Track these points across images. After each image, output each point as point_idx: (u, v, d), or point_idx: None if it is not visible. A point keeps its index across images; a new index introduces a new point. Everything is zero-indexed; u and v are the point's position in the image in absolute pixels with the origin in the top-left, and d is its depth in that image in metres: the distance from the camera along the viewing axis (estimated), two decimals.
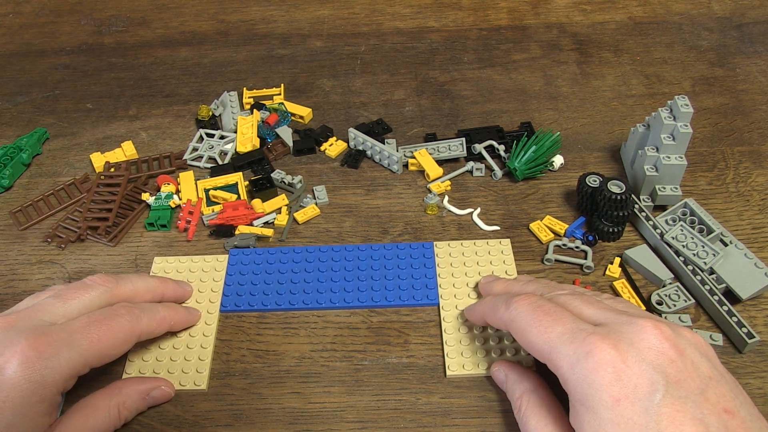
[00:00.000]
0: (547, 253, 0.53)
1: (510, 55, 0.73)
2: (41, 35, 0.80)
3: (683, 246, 0.50)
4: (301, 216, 0.56)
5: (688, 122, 0.52)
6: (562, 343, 0.36)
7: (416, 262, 0.52)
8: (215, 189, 0.59)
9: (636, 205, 0.53)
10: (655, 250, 0.52)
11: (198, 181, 0.59)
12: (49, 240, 0.56)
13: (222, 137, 0.64)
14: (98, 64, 0.75)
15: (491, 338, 0.47)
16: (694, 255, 0.50)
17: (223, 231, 0.55)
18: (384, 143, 0.61)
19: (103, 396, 0.43)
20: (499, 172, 0.59)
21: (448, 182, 0.58)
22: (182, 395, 0.45)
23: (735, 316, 0.46)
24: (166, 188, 0.58)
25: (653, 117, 0.55)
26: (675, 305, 0.48)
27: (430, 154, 0.60)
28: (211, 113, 0.66)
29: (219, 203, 0.58)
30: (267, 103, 0.67)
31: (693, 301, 0.48)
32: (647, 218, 0.52)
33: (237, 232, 0.55)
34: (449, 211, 0.56)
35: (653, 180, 0.54)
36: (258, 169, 0.60)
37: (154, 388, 0.44)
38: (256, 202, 0.57)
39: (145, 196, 0.57)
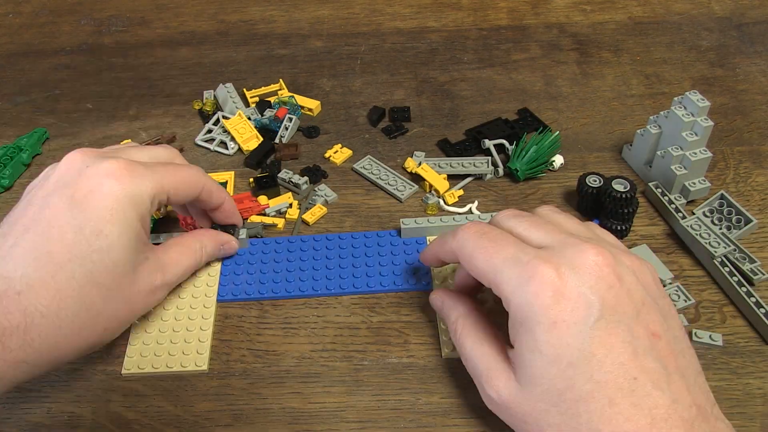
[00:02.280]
0: None
1: (510, 55, 0.73)
2: (41, 35, 0.80)
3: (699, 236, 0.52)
4: (310, 217, 0.56)
5: (706, 115, 0.53)
6: (506, 267, 0.38)
7: (409, 248, 0.53)
8: None
9: (672, 205, 0.54)
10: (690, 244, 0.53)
11: None
12: None
13: None
14: (98, 64, 0.75)
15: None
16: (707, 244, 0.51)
17: (225, 226, 0.55)
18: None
19: (192, 237, 0.49)
20: (501, 170, 0.59)
21: (461, 191, 0.58)
22: (182, 395, 0.45)
23: (763, 307, 0.47)
24: None
25: (664, 116, 0.55)
26: (675, 305, 0.48)
27: (452, 167, 0.59)
28: (215, 106, 0.66)
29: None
30: (276, 97, 0.67)
31: (693, 301, 0.49)
32: (683, 217, 0.53)
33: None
34: (450, 212, 0.56)
35: (683, 177, 0.54)
36: (267, 167, 0.61)
37: (227, 241, 0.52)
38: (262, 198, 0.57)
39: None
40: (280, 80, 0.70)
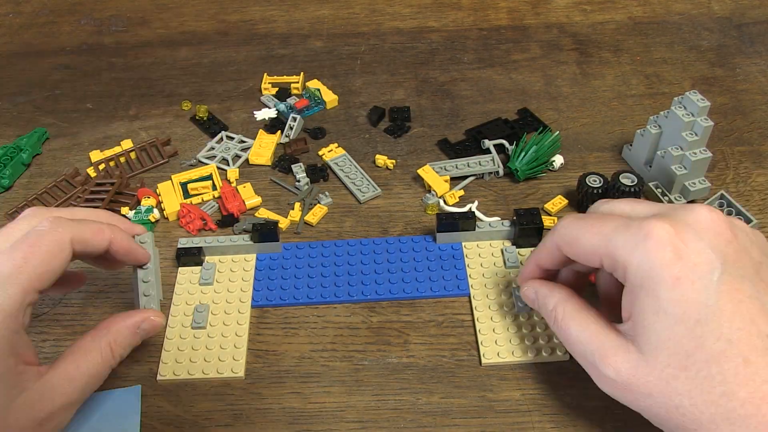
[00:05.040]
0: None
1: (510, 55, 0.73)
2: (41, 35, 0.80)
3: None
4: (311, 218, 0.56)
5: (706, 115, 0.53)
6: (618, 233, 0.36)
7: (445, 254, 0.53)
8: (191, 182, 0.59)
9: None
10: None
11: (173, 176, 0.60)
12: None
13: (242, 141, 0.64)
14: (98, 64, 0.75)
15: (524, 326, 0.47)
16: None
17: (229, 220, 0.56)
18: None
19: (91, 338, 0.41)
20: (501, 170, 0.59)
21: (462, 191, 0.58)
22: (182, 395, 0.45)
23: None
24: (147, 202, 0.57)
25: (664, 116, 0.55)
26: None
27: (459, 169, 0.59)
28: (208, 113, 0.67)
29: (199, 194, 0.58)
30: (297, 86, 0.69)
31: None
32: None
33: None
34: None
35: (683, 177, 0.54)
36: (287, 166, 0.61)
37: (143, 320, 0.43)
38: (245, 190, 0.58)
39: (124, 210, 0.56)
40: (302, 73, 0.70)
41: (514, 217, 0.52)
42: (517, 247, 0.52)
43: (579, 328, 0.39)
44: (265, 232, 0.52)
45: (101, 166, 0.61)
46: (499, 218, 0.55)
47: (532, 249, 0.52)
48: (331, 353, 0.47)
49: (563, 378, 0.45)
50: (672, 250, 0.34)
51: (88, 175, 0.61)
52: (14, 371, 0.36)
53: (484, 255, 0.52)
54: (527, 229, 0.51)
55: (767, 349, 0.33)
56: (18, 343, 0.36)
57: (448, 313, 0.49)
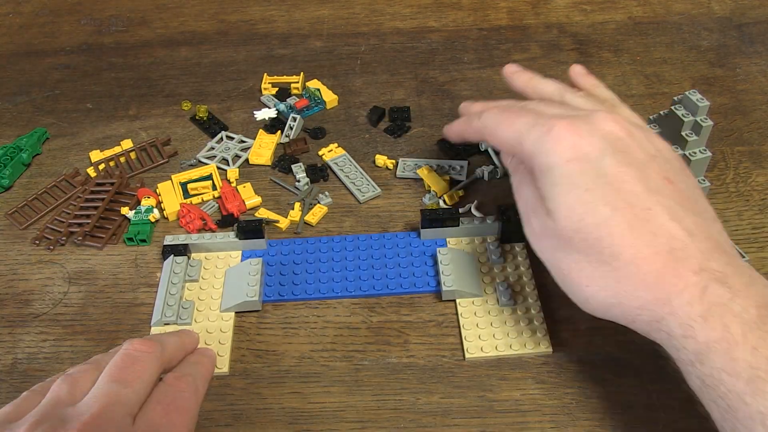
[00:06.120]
0: None
1: (510, 55, 0.73)
2: (41, 35, 0.80)
3: None
4: (311, 217, 0.56)
5: (706, 115, 0.53)
6: (527, 129, 0.42)
7: (429, 250, 0.53)
8: (191, 182, 0.59)
9: None
10: None
11: (173, 176, 0.60)
12: (37, 242, 0.56)
13: (242, 141, 0.64)
14: (98, 64, 0.75)
15: (507, 320, 0.48)
16: None
17: (229, 219, 0.56)
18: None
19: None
20: (501, 170, 0.59)
21: (462, 191, 0.58)
22: None
23: None
24: (147, 202, 0.57)
25: (663, 116, 0.55)
26: None
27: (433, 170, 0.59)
28: (208, 113, 0.67)
29: (199, 194, 0.58)
30: (296, 86, 0.68)
31: None
32: None
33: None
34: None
35: None
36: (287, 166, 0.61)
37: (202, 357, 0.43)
38: (245, 190, 0.58)
39: (124, 210, 0.56)
40: (302, 73, 0.70)
41: (498, 213, 0.52)
42: (501, 243, 0.53)
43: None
44: (249, 230, 0.53)
45: (101, 166, 0.61)
46: (482, 214, 0.55)
47: (516, 245, 0.53)
48: (331, 353, 0.47)
49: (563, 378, 0.45)
50: (569, 143, 0.39)
51: (88, 174, 0.61)
52: None
53: (468, 251, 0.53)
54: (512, 224, 0.51)
55: (648, 220, 0.37)
56: None
57: (449, 313, 0.49)
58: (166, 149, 0.63)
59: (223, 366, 0.47)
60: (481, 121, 0.46)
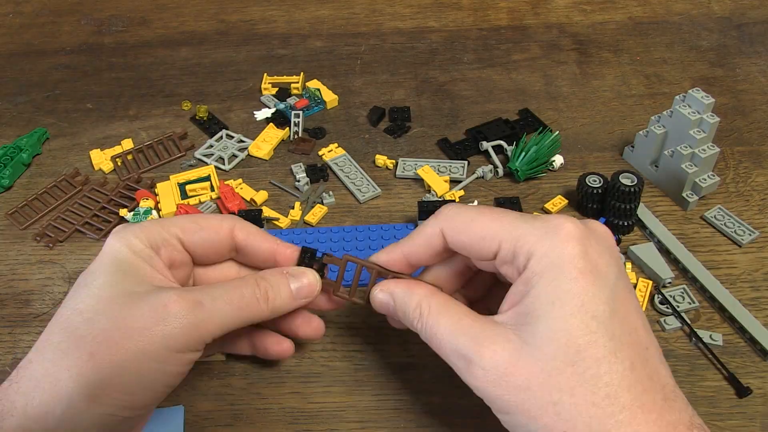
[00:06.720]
0: None
1: (510, 55, 0.73)
2: (41, 35, 0.80)
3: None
4: (311, 217, 0.56)
5: (711, 111, 0.53)
6: (523, 222, 0.35)
7: None
8: (189, 183, 0.59)
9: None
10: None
11: (171, 176, 0.60)
12: (38, 239, 0.56)
13: (241, 140, 0.64)
14: (98, 64, 0.75)
15: None
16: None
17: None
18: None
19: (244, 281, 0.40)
20: (501, 171, 0.59)
21: (462, 191, 0.58)
22: (182, 394, 0.45)
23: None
24: (145, 203, 0.57)
25: (668, 115, 0.55)
26: (679, 306, 0.48)
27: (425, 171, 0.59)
28: (208, 113, 0.67)
29: (197, 195, 0.58)
30: (297, 86, 0.69)
31: (696, 303, 0.49)
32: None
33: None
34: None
35: (695, 175, 0.55)
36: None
37: (302, 286, 0.41)
38: (245, 190, 0.58)
39: (123, 212, 0.57)
40: (302, 73, 0.70)
41: (495, 206, 0.52)
42: None
43: (450, 321, 0.36)
44: (249, 220, 0.52)
45: (119, 161, 0.62)
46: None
47: None
48: (331, 353, 0.47)
49: None
50: (580, 246, 0.34)
51: (103, 171, 0.62)
52: (141, 274, 0.39)
53: None
54: None
55: (646, 361, 0.33)
56: (139, 268, 0.39)
57: None
58: (183, 143, 0.63)
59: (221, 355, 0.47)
60: (443, 216, 0.39)
